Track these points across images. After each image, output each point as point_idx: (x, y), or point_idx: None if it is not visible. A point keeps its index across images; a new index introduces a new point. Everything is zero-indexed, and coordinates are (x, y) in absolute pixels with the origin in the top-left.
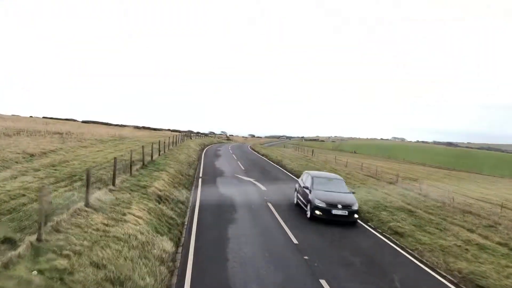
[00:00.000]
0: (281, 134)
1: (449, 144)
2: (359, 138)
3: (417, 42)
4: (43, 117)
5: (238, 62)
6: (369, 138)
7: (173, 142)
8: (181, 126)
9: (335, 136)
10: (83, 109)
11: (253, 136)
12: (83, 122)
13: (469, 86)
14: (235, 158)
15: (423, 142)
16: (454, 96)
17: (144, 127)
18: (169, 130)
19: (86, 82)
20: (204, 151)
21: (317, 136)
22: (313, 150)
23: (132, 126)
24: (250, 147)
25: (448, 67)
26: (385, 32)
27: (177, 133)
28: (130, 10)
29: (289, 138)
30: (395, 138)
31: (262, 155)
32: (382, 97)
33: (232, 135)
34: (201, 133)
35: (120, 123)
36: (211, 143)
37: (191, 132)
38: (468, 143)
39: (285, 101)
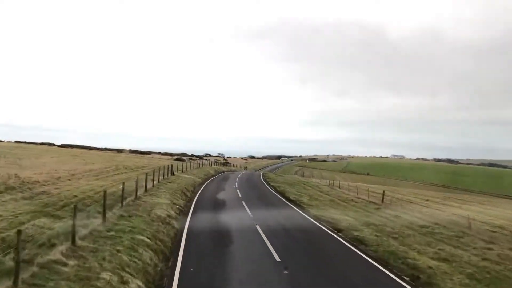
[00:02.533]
0: (278, 153)
1: (450, 161)
2: (357, 157)
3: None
4: (15, 141)
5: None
6: (368, 156)
7: (131, 192)
8: (177, 145)
9: (333, 155)
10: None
11: (252, 157)
12: (61, 146)
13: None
14: (272, 251)
15: (423, 159)
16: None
17: (132, 151)
18: (159, 153)
19: (88, 93)
20: (191, 211)
21: (315, 155)
22: (383, 194)
23: (113, 149)
24: (264, 180)
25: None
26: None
27: (169, 157)
28: (127, 12)
29: (290, 158)
30: (394, 155)
31: (315, 218)
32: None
33: (230, 157)
34: (196, 156)
35: (102, 147)
36: (206, 178)
37: (183, 156)
38: (467, 159)
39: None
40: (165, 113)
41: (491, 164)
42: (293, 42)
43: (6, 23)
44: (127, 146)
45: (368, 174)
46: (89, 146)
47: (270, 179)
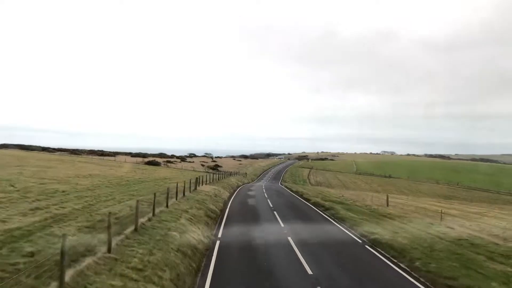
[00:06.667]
0: (266, 151)
1: (441, 156)
2: (347, 153)
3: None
4: None
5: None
6: (357, 152)
7: None
8: (160, 144)
9: (322, 152)
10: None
11: (245, 157)
12: None
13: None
14: None
15: (414, 155)
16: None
17: (93, 151)
18: (129, 154)
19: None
20: None
21: (303, 152)
22: None
23: (68, 150)
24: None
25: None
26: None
27: (140, 160)
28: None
29: (287, 158)
30: (384, 152)
31: None
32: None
33: (219, 157)
34: (177, 157)
35: (55, 147)
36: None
37: (159, 157)
38: (456, 154)
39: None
40: (148, 111)
41: (483, 159)
42: (254, 40)
43: None
44: (100, 146)
45: (390, 177)
46: (27, 146)
47: (354, 222)
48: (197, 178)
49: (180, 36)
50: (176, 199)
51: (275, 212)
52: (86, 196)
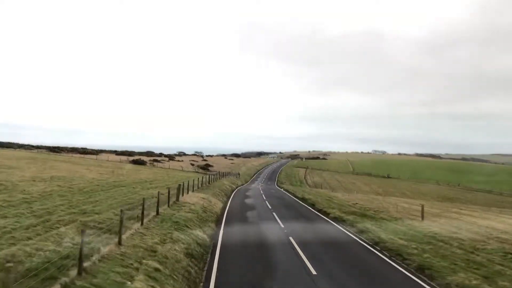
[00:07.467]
0: (257, 150)
1: (432, 156)
2: (340, 152)
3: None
4: None
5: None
6: (349, 152)
7: None
8: (141, 142)
9: (314, 151)
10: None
11: (237, 155)
12: None
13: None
14: None
15: (405, 154)
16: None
17: (73, 149)
18: (114, 152)
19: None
20: None
21: (295, 151)
22: None
23: (45, 147)
24: None
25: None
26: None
27: (125, 158)
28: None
29: (280, 156)
30: (375, 151)
31: None
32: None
33: (210, 156)
34: (165, 156)
35: (40, 144)
36: None
37: (146, 156)
38: (446, 154)
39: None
40: (143, 110)
41: (474, 159)
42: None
43: None
44: (94, 144)
45: (388, 177)
46: (12, 144)
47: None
48: (179, 185)
49: (172, 34)
50: (142, 223)
51: (290, 238)
52: (6, 217)
